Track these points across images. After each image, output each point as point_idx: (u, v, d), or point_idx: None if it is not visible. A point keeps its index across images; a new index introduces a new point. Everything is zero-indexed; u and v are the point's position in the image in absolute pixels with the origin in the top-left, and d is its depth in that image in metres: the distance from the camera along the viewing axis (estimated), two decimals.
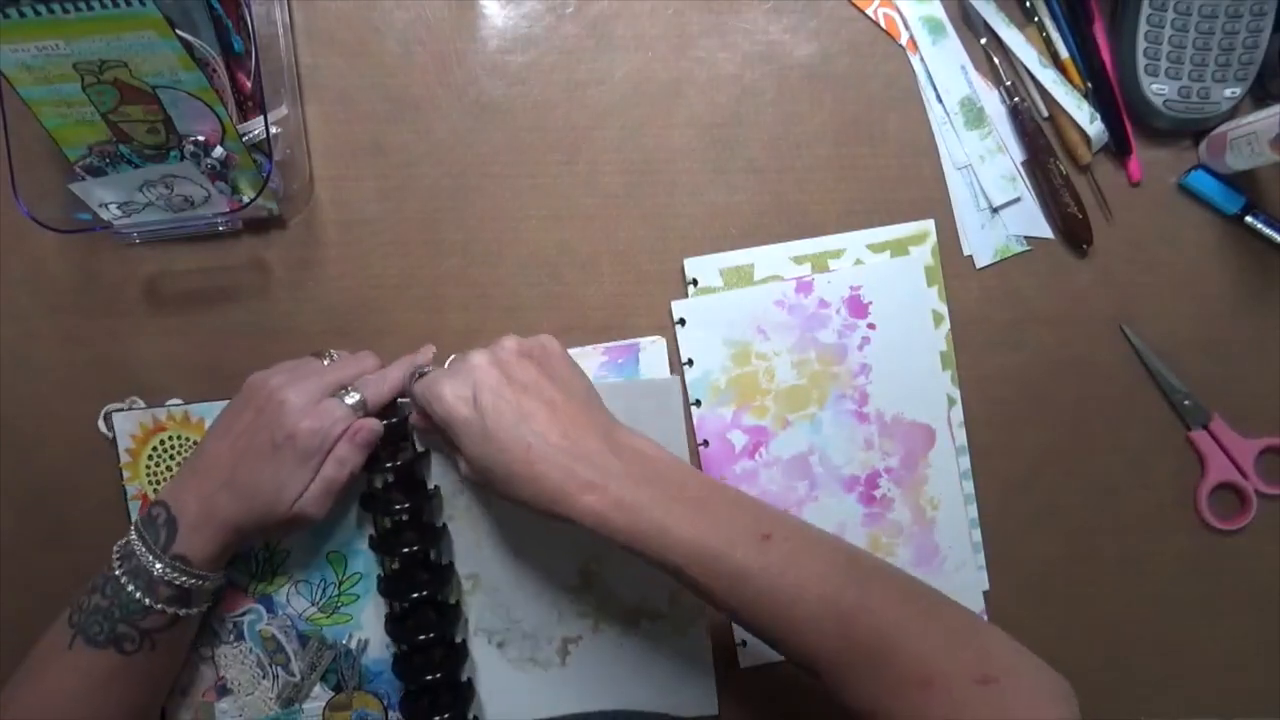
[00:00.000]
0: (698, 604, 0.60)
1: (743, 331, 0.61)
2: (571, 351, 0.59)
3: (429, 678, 0.57)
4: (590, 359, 0.61)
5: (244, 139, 0.57)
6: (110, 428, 0.60)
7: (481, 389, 0.48)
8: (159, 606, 0.50)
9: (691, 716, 0.60)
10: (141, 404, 0.60)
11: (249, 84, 0.56)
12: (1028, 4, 0.62)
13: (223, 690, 0.59)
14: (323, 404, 0.52)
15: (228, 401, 0.54)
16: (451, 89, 0.62)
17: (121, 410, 0.60)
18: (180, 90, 0.54)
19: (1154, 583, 0.64)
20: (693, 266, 0.62)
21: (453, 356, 0.53)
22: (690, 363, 0.61)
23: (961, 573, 0.62)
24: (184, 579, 0.51)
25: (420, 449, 0.59)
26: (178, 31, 0.52)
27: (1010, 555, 0.63)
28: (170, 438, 0.59)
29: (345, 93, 0.61)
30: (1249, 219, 0.62)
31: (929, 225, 0.62)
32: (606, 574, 0.60)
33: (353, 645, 0.59)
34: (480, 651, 0.60)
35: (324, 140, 0.61)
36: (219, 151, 0.56)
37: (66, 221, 0.56)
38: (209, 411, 0.58)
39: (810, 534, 0.48)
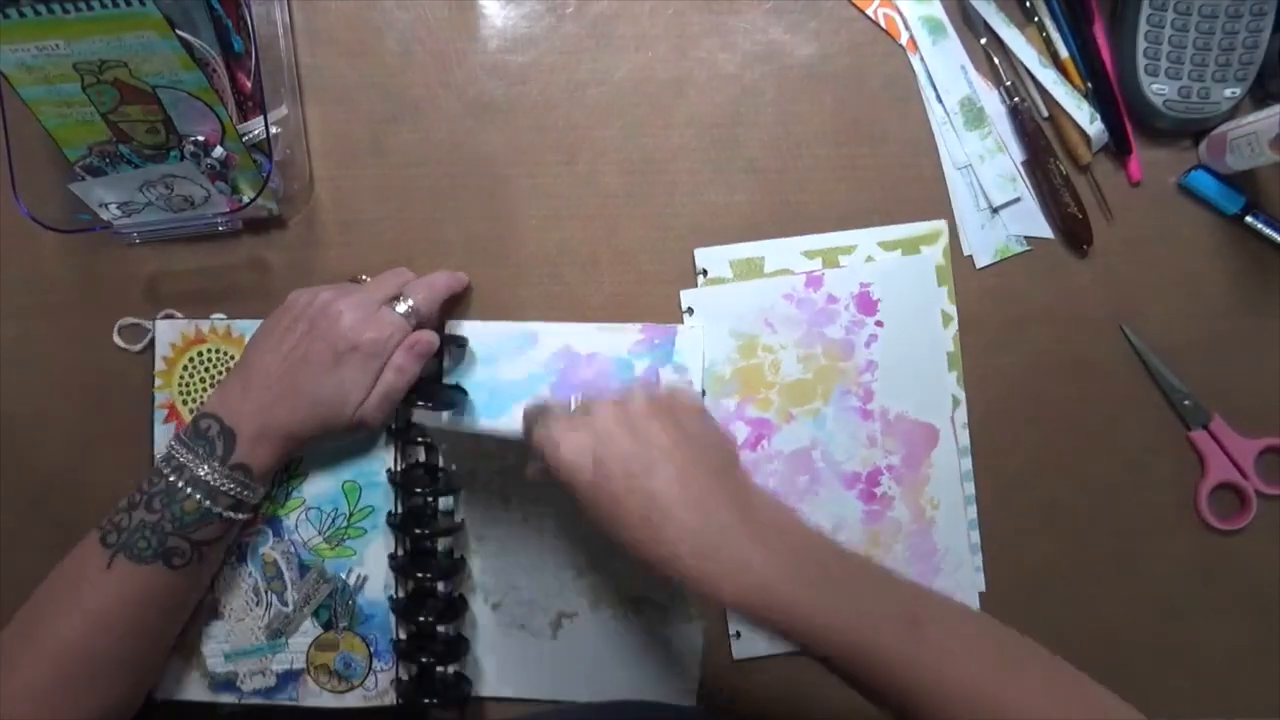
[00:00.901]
0: (700, 602, 0.60)
1: (750, 323, 0.61)
2: (605, 326, 0.60)
3: (423, 618, 0.57)
4: (626, 336, 0.60)
5: (244, 139, 0.57)
6: (126, 340, 0.60)
7: (606, 456, 0.44)
8: (223, 513, 0.51)
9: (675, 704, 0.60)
10: (179, 315, 0.61)
11: (249, 84, 0.56)
12: (1028, 4, 0.62)
13: (213, 615, 0.58)
14: (380, 313, 0.53)
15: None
16: (451, 89, 0.62)
17: (164, 319, 0.60)
18: (180, 90, 0.54)
19: (1154, 583, 0.64)
20: (703, 257, 0.62)
21: (577, 399, 0.48)
22: None
23: (959, 573, 0.62)
24: (242, 490, 0.52)
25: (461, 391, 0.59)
26: (178, 31, 0.52)
27: (1009, 555, 0.63)
28: (209, 350, 0.60)
29: (345, 93, 0.61)
30: (1249, 219, 0.62)
31: (941, 225, 0.62)
32: (616, 559, 0.60)
33: (352, 580, 0.59)
34: (474, 608, 0.60)
35: (324, 140, 0.61)
36: (219, 151, 0.56)
37: (66, 221, 0.56)
38: (250, 329, 0.59)
39: (956, 615, 0.45)
